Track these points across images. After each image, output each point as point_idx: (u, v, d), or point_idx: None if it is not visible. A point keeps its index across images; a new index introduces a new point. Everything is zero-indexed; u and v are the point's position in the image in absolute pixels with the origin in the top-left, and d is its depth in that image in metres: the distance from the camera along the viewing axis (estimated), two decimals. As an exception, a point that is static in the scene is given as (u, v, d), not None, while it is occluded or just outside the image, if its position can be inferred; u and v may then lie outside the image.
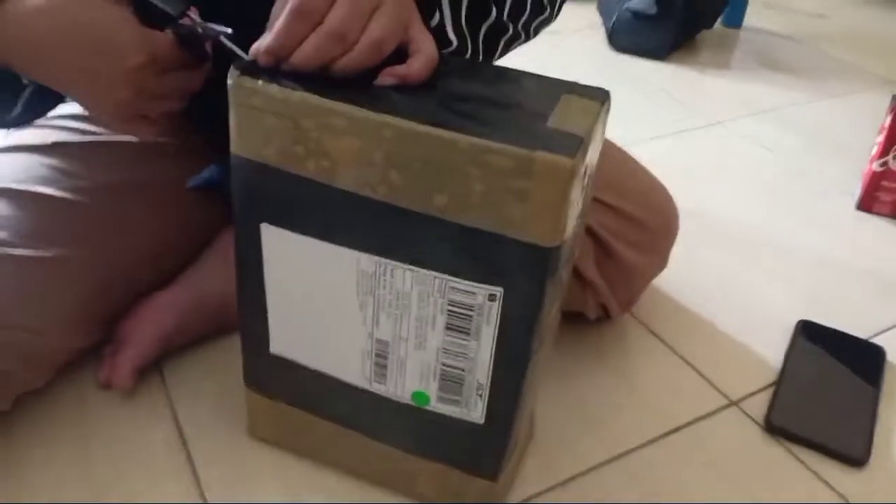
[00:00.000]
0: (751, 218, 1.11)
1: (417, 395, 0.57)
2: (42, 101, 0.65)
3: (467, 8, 0.65)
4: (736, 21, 1.85)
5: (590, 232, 0.74)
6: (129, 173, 0.72)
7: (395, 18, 0.48)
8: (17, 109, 0.63)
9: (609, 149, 0.80)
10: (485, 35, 0.68)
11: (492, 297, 0.51)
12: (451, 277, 0.51)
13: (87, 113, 0.74)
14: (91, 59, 0.53)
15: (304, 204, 0.51)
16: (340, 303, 0.55)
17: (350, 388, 0.59)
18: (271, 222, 0.53)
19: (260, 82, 0.48)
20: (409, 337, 0.55)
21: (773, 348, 0.85)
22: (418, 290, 0.52)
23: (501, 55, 0.73)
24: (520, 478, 0.68)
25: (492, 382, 0.55)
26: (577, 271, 0.75)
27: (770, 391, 0.80)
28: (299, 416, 0.63)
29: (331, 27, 0.46)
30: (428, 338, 0.54)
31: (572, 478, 0.69)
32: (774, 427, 0.75)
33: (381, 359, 0.57)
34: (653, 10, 1.59)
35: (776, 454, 0.73)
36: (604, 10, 1.75)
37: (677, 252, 0.82)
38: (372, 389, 0.59)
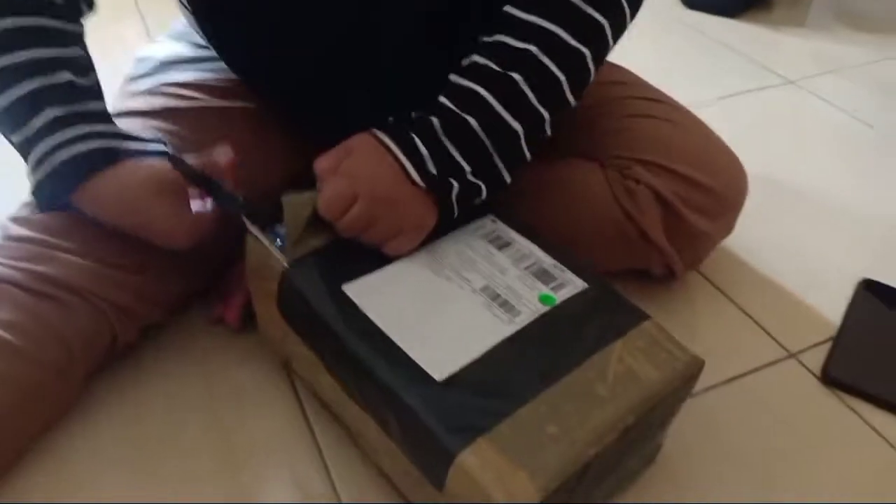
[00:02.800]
0: (821, 177, 1.12)
1: (544, 298, 0.63)
2: None
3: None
4: (814, -24, 1.81)
5: (659, 197, 0.78)
6: (234, 136, 0.79)
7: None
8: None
9: (683, 116, 0.84)
10: None
11: None
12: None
13: (194, 81, 0.81)
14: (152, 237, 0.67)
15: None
16: (437, 293, 0.63)
17: (511, 339, 0.60)
18: (349, 280, 0.63)
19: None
20: (495, 271, 0.64)
21: (834, 305, 0.89)
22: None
23: None
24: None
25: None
26: (644, 234, 0.79)
27: (828, 345, 0.83)
28: None
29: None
30: (504, 266, 0.66)
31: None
32: (831, 378, 0.79)
33: (498, 298, 0.63)
34: (726, -32, 1.58)
35: (831, 404, 0.78)
36: (677, -33, 1.74)
37: (745, 210, 0.86)
38: (519, 326, 0.61)
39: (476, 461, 0.51)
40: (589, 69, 0.68)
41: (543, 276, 0.65)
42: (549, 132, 0.69)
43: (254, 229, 0.66)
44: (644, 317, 0.62)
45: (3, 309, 0.63)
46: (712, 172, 0.80)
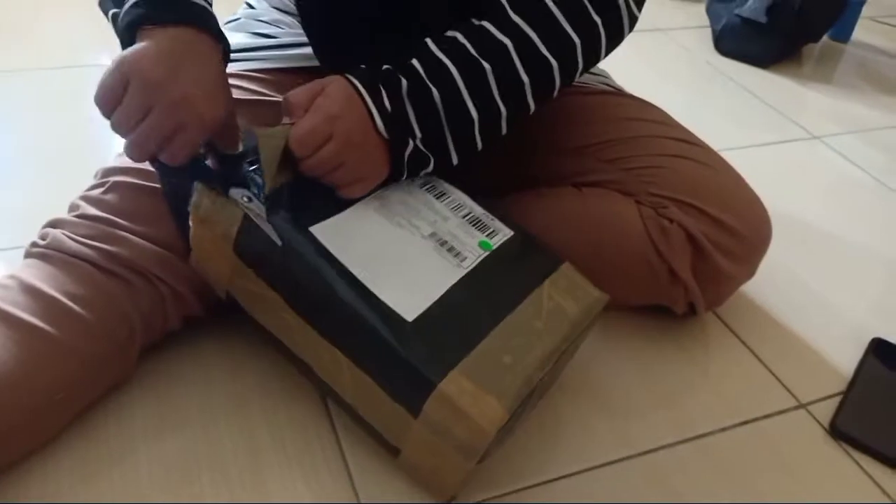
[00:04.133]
0: (837, 232, 1.15)
1: (483, 244, 0.71)
2: None
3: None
4: (843, 35, 1.85)
5: (691, 238, 0.81)
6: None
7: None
8: None
9: (716, 160, 0.87)
10: None
11: None
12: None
13: (250, 73, 0.83)
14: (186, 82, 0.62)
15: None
16: (392, 238, 0.68)
17: (462, 282, 0.68)
18: (312, 223, 0.66)
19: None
20: (438, 219, 0.72)
21: (845, 358, 0.91)
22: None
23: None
24: (593, 443, 0.76)
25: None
26: (672, 272, 0.82)
27: (838, 399, 0.85)
28: None
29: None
30: (445, 214, 0.73)
31: (647, 452, 0.77)
32: (839, 432, 0.81)
33: (445, 244, 0.70)
34: (763, 19, 1.62)
35: (838, 457, 0.79)
36: (712, 14, 1.78)
37: (765, 256, 0.88)
38: (466, 270, 0.69)
39: (454, 389, 0.60)
40: (554, 80, 0.74)
41: (478, 223, 0.74)
42: (504, 129, 0.74)
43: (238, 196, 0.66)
44: (561, 260, 0.74)
45: (76, 284, 0.66)
46: (741, 217, 0.82)
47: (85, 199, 0.72)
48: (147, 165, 0.72)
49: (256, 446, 0.71)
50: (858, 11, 1.83)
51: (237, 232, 0.66)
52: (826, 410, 0.84)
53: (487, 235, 0.73)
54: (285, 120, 0.67)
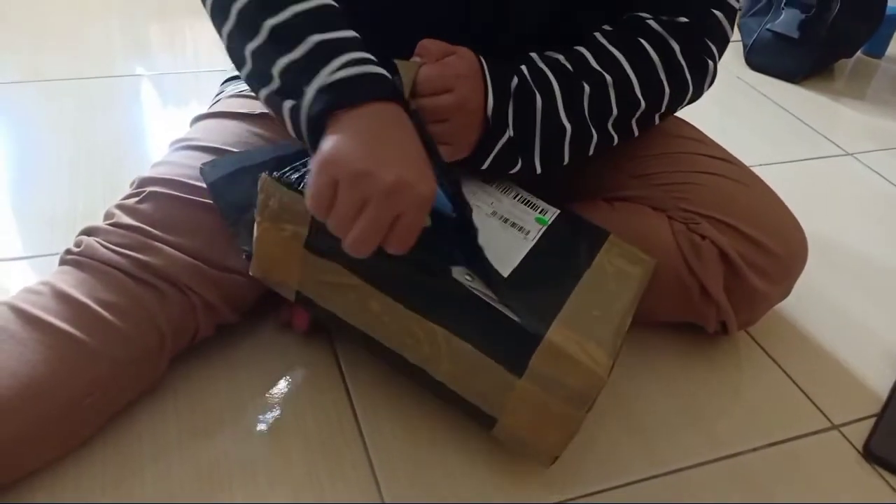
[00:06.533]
0: (871, 250, 1.13)
1: (539, 220, 0.76)
2: None
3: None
4: (878, 50, 1.83)
5: (723, 255, 0.80)
6: None
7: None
8: None
9: (751, 179, 0.86)
10: None
11: None
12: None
13: None
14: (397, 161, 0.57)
15: None
16: None
17: (531, 253, 0.71)
18: None
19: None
20: (493, 200, 0.76)
21: (880, 379, 0.89)
22: None
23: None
24: (621, 460, 0.75)
25: None
26: (704, 290, 0.81)
27: (872, 421, 0.84)
28: None
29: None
30: (498, 196, 0.77)
31: (677, 470, 0.76)
32: (873, 455, 0.79)
33: (507, 221, 0.74)
34: (795, 34, 1.60)
35: (871, 481, 0.78)
36: (743, 28, 1.76)
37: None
38: (533, 241, 0.73)
39: (560, 338, 0.63)
40: (634, 119, 0.77)
41: (528, 203, 0.78)
42: (591, 150, 0.77)
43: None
44: (607, 232, 0.78)
45: (108, 291, 0.67)
46: (777, 237, 0.81)
47: (120, 207, 0.74)
48: (182, 177, 0.73)
49: (287, 454, 0.72)
50: (894, 26, 1.80)
51: (308, 230, 0.66)
52: (860, 432, 0.82)
53: (540, 213, 0.77)
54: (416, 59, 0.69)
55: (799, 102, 1.58)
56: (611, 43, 0.75)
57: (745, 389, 0.87)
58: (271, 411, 0.76)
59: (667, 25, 0.76)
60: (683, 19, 0.76)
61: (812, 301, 0.99)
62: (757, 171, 0.88)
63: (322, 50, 0.59)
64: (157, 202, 0.73)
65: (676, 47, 0.76)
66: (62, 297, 0.66)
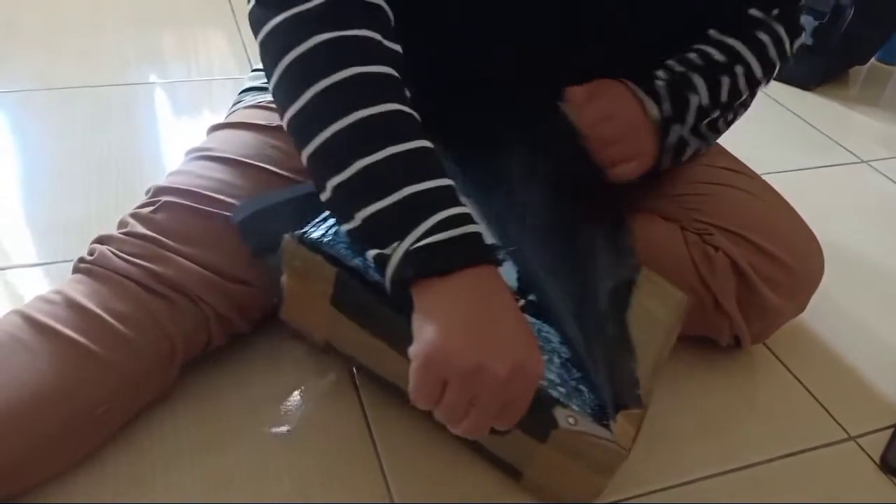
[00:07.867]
0: (887, 259, 1.12)
1: None
2: None
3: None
4: (892, 57, 1.81)
5: (736, 267, 0.79)
6: None
7: None
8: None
9: (765, 191, 0.85)
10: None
11: None
12: None
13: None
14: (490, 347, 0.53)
15: None
16: None
17: None
18: None
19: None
20: None
21: (897, 392, 0.88)
22: None
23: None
24: (638, 471, 0.74)
25: None
26: (717, 302, 0.80)
27: (889, 432, 0.83)
28: None
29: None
30: None
31: (693, 481, 0.75)
32: (889, 466, 0.79)
33: None
34: (808, 41, 1.59)
35: (888, 492, 0.77)
36: (756, 34, 1.76)
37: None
38: None
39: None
40: (746, 103, 0.84)
41: None
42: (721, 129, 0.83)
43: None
44: (637, 266, 0.75)
45: (120, 301, 0.67)
46: (792, 250, 0.81)
47: (134, 216, 0.73)
48: (197, 188, 0.72)
49: (299, 464, 0.71)
50: (907, 33, 1.79)
51: (333, 288, 0.65)
52: (877, 444, 0.82)
53: None
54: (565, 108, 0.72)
55: (812, 109, 1.57)
56: (725, 35, 0.78)
57: (760, 400, 0.86)
58: (283, 421, 0.76)
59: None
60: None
61: (827, 310, 0.98)
62: (770, 178, 0.88)
63: (414, 204, 0.54)
64: (171, 212, 0.73)
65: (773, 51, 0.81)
66: (74, 306, 0.66)
